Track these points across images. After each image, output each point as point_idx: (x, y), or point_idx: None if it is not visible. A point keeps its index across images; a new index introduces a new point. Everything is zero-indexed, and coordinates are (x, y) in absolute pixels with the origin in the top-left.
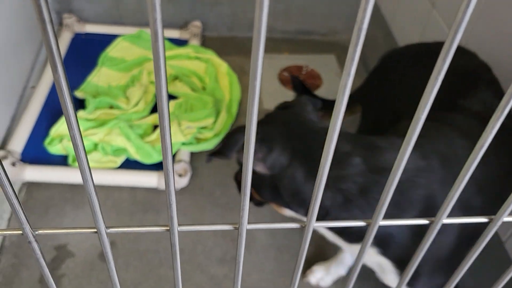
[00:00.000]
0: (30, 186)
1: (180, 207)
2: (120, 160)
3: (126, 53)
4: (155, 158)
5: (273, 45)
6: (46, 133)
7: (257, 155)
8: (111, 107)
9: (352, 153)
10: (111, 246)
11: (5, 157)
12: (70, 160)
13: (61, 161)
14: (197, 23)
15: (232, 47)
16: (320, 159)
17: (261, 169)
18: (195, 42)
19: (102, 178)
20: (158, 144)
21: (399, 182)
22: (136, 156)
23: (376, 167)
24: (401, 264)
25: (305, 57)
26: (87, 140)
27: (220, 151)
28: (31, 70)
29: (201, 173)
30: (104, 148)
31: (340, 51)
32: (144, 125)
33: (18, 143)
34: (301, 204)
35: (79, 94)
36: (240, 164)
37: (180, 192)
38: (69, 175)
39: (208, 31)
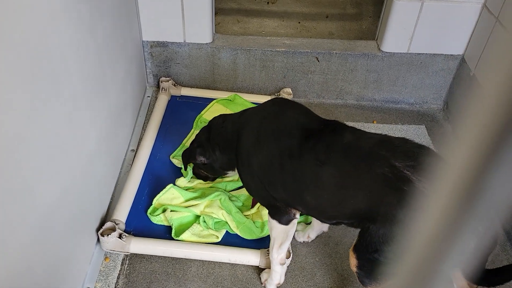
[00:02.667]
0: (133, 258)
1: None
2: (221, 234)
3: None
4: (256, 234)
5: (361, 113)
6: (147, 200)
7: (200, 157)
8: None
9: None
10: None
11: (112, 229)
12: (173, 233)
13: (163, 231)
14: (288, 90)
15: (320, 112)
16: (224, 147)
17: (203, 160)
18: None
19: (204, 253)
20: (258, 219)
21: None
22: (236, 230)
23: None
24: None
25: (395, 127)
26: (189, 211)
27: (184, 164)
28: (131, 134)
29: (300, 251)
30: (205, 221)
31: (430, 122)
32: (242, 197)
33: (122, 212)
34: (226, 168)
35: (174, 161)
36: (198, 165)
37: None
38: (172, 250)
39: (297, 96)
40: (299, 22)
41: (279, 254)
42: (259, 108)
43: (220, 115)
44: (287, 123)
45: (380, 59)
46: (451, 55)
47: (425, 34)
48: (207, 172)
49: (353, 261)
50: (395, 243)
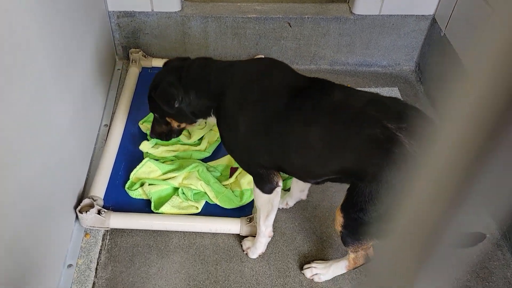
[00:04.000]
0: (114, 233)
1: (263, 254)
2: (201, 205)
3: None
4: (235, 203)
5: (335, 78)
6: (124, 175)
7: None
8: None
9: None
10: None
11: (91, 206)
12: (152, 207)
13: (143, 205)
14: (261, 57)
15: None
16: (201, 93)
17: (174, 104)
18: None
19: (185, 224)
20: (236, 188)
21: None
22: (216, 200)
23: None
24: None
25: (369, 90)
26: (167, 184)
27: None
28: (103, 108)
29: (279, 217)
30: (184, 193)
31: (403, 84)
32: (219, 167)
33: (99, 188)
34: (197, 116)
35: (142, 126)
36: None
37: None
38: (152, 223)
39: None
40: None
41: (267, 227)
42: (246, 66)
43: (199, 58)
44: (274, 83)
45: (352, 22)
46: (422, 15)
47: None
48: (173, 119)
49: (339, 220)
50: (380, 203)
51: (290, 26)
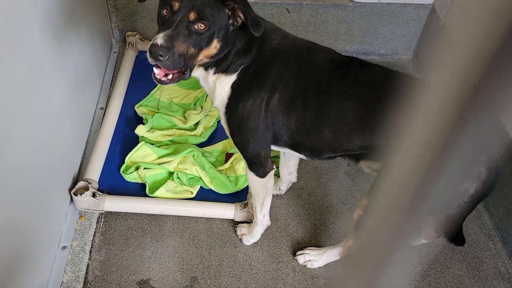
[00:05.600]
0: (108, 216)
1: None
2: (195, 190)
3: None
4: (230, 188)
5: None
6: (120, 158)
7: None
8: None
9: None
10: (192, 281)
11: (85, 188)
12: (147, 190)
13: (137, 188)
14: None
15: None
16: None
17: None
18: None
19: (179, 209)
20: (231, 174)
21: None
22: (210, 185)
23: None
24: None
25: None
26: (162, 169)
27: None
28: (99, 91)
29: (274, 203)
30: (179, 177)
31: None
32: (215, 152)
33: (94, 171)
34: (224, 66)
35: (138, 110)
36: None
37: None
38: (147, 206)
39: None
40: None
41: (264, 215)
42: (293, 37)
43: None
44: (319, 57)
45: (351, 9)
46: (422, 4)
47: None
48: (223, 45)
49: (363, 204)
50: None
51: (289, 12)
